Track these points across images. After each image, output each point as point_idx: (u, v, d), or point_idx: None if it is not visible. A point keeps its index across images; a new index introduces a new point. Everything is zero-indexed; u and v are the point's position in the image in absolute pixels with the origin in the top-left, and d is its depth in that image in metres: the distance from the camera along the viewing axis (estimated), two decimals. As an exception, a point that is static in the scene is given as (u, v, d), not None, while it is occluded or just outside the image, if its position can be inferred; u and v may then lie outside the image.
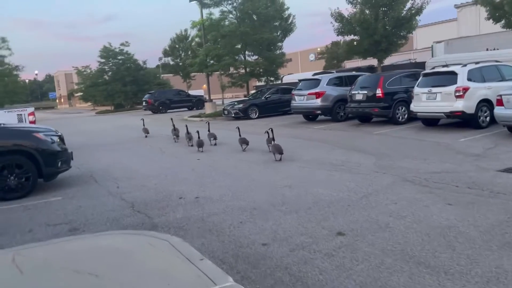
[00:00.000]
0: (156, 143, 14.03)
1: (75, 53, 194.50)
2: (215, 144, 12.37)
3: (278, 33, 27.29)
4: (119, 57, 44.19)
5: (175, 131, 14.05)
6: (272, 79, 25.99)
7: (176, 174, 8.62)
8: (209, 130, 12.67)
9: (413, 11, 19.72)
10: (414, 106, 12.09)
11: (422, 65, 25.78)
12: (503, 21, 15.53)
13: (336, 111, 15.75)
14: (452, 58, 23.16)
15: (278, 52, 26.12)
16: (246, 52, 25.39)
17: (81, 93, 51.49)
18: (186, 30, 43.19)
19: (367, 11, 19.85)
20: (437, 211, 5.09)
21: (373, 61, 41.46)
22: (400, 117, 13.55)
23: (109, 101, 47.01)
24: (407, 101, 13.49)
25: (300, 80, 17.25)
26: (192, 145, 12.18)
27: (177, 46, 44.14)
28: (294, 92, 16.90)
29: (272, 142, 9.76)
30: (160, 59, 55.51)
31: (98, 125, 25.50)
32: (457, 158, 8.10)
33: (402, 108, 13.53)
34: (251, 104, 20.84)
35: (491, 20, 30.14)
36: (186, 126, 13.49)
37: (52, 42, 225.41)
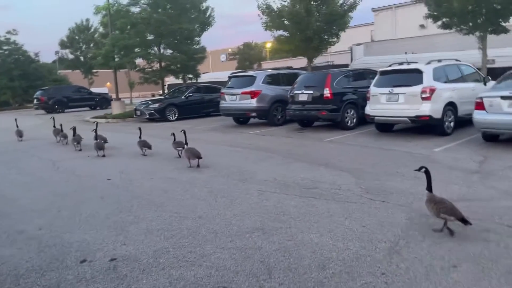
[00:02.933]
0: (47, 152, 10.63)
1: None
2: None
3: (196, 26, 24.60)
4: (4, 47, 37.71)
5: (61, 132, 11.91)
6: (190, 76, 23.19)
7: (76, 206, 5.70)
8: (96, 132, 10.45)
9: (345, 7, 18.45)
10: (371, 109, 10.41)
11: (340, 67, 25.13)
12: (440, 21, 14.65)
13: (273, 114, 13.65)
14: (373, 60, 22.78)
15: (197, 46, 23.40)
16: (161, 45, 22.32)
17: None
18: (88, 20, 38.29)
19: (298, 6, 18.12)
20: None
21: (291, 63, 40.80)
22: (349, 122, 11.86)
23: (-8, 97, 40.08)
24: (356, 103, 11.88)
25: (230, 77, 14.86)
26: (80, 150, 10.55)
27: (77, 37, 38.93)
28: (223, 90, 14.46)
29: (185, 146, 8.17)
30: (56, 52, 49.34)
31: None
32: (458, 177, 6.36)
33: (351, 111, 11.86)
34: (169, 103, 17.92)
35: (410, 24, 30.68)
36: (74, 127, 11.08)
37: None
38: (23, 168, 8.65)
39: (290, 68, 28.12)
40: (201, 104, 18.62)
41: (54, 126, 12.54)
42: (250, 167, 7.74)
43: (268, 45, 73.77)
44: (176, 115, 17.91)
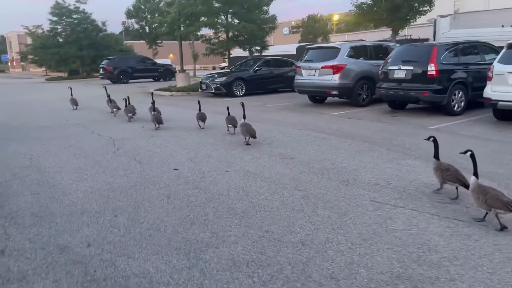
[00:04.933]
0: (108, 128, 9.64)
1: (34, 15, 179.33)
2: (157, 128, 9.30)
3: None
4: (74, 16, 38.23)
5: (112, 103, 11.78)
6: (257, 48, 21.58)
7: (136, 209, 4.43)
8: (153, 103, 9.78)
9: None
10: (494, 92, 8.29)
11: (420, 42, 22.26)
12: None
13: (357, 92, 11.78)
14: (465, 34, 19.80)
15: (266, 16, 21.63)
16: (228, 14, 20.81)
17: (31, 57, 44.93)
18: (154, -12, 37.60)
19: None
20: None
21: (363, 36, 37.80)
22: (456, 106, 9.79)
23: (62, 66, 41.14)
24: (465, 83, 9.76)
25: (308, 48, 13.07)
26: (130, 121, 10.42)
27: (142, 6, 38.51)
28: (300, 64, 12.74)
29: (242, 120, 7.50)
30: (123, 23, 49.68)
31: (39, 95, 20.55)
32: None
33: (459, 93, 9.75)
34: (237, 77, 16.52)
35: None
36: (127, 98, 10.83)
37: (10, 2, 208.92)
38: (81, 147, 7.61)
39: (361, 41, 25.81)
40: (270, 79, 17.07)
41: (108, 96, 12.28)
42: (348, 162, 6.11)
43: (336, 17, 70.40)
44: (243, 90, 16.51)
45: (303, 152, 6.76)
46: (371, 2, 16.92)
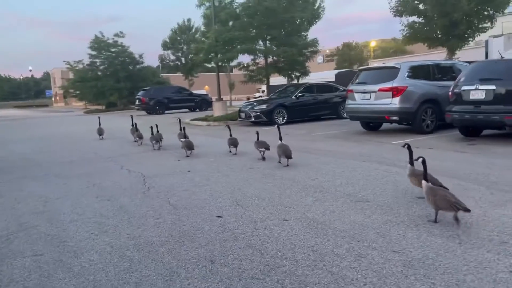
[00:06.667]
0: (138, 161, 8.53)
1: (76, 52, 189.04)
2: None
3: (304, 20, 21.77)
4: (112, 49, 38.78)
5: (137, 131, 11.52)
6: (297, 74, 20.44)
7: (168, 281, 3.11)
8: (183, 129, 9.70)
9: (505, -18, 14.28)
10: None
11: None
12: None
13: (421, 118, 10.25)
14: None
15: (306, 40, 20.55)
16: (266, 40, 19.88)
17: (71, 91, 45.90)
18: (189, 20, 37.76)
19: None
20: None
21: (397, 61, 36.07)
22: (550, 132, 8.11)
23: (100, 99, 41.53)
24: (561, 105, 8.07)
25: (360, 70, 11.72)
26: (158, 149, 10.06)
27: (178, 38, 38.66)
28: (352, 87, 11.37)
29: (279, 142, 7.44)
30: (160, 56, 50.22)
31: (73, 128, 20.12)
32: None
33: (553, 117, 8.07)
34: (278, 104, 15.32)
35: None
36: (154, 126, 10.36)
37: (55, 41, 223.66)
38: (106, 187, 6.46)
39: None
40: (314, 105, 15.80)
41: (133, 125, 11.94)
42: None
43: (373, 43, 69.20)
44: (285, 118, 15.30)
45: (378, 193, 5.31)
46: (423, 20, 15.50)
